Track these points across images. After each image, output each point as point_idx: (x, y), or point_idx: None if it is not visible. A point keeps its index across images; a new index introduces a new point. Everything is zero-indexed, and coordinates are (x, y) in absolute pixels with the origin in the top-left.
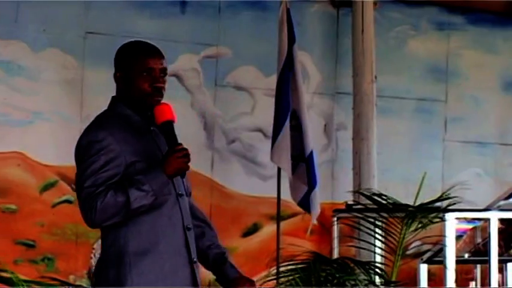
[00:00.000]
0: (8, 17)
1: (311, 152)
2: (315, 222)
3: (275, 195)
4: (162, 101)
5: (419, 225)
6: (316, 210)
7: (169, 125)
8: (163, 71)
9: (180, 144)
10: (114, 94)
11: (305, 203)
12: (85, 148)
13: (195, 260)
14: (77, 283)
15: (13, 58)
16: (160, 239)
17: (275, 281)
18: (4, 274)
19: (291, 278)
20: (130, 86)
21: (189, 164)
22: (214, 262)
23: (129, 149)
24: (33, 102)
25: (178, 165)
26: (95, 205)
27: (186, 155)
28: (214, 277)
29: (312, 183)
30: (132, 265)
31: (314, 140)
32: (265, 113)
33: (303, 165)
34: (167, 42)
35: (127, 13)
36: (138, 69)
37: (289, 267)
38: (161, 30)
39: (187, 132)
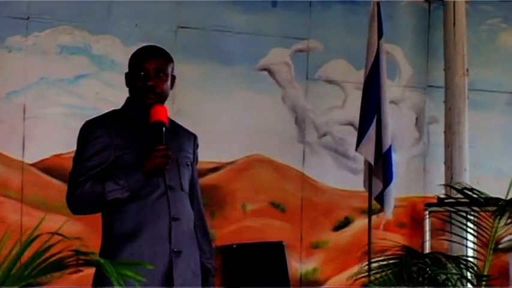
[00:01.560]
0: (101, 12)
1: (388, 149)
2: (389, 218)
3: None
4: (161, 104)
5: (510, 219)
6: (390, 207)
7: (159, 125)
8: (159, 71)
9: (163, 144)
10: (205, 89)
11: (381, 199)
12: (78, 139)
13: (176, 250)
14: None
15: (105, 53)
16: (141, 227)
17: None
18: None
19: (383, 273)
20: (130, 84)
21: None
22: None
23: (121, 142)
24: (125, 96)
25: (156, 164)
26: (74, 193)
27: (165, 156)
28: (305, 271)
29: (387, 180)
30: (117, 251)
31: (405, 134)
32: (356, 106)
33: (379, 161)
34: (258, 37)
35: (218, 7)
36: (136, 70)
37: (381, 262)
38: (252, 24)
39: (279, 126)
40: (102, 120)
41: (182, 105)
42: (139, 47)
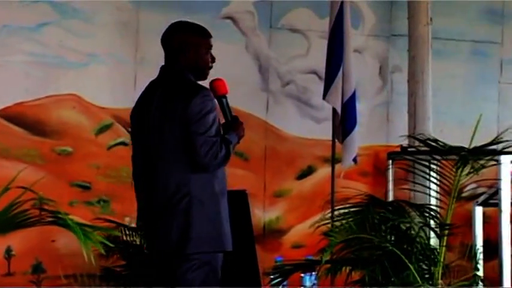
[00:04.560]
0: None
1: (350, 97)
2: (346, 167)
3: (330, 137)
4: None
5: (473, 169)
6: (350, 156)
7: (225, 98)
8: None
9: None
10: None
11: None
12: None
13: None
14: (132, 225)
15: (68, 1)
16: (226, 185)
17: (329, 225)
18: (59, 216)
19: (345, 222)
20: (198, 56)
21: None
22: None
23: None
24: (88, 44)
25: (243, 132)
26: None
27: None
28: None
29: (348, 128)
30: (220, 203)
31: (369, 83)
32: (319, 55)
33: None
34: None
35: None
36: (208, 45)
37: (343, 210)
38: None
39: (242, 74)
40: None
41: (146, 53)
42: None
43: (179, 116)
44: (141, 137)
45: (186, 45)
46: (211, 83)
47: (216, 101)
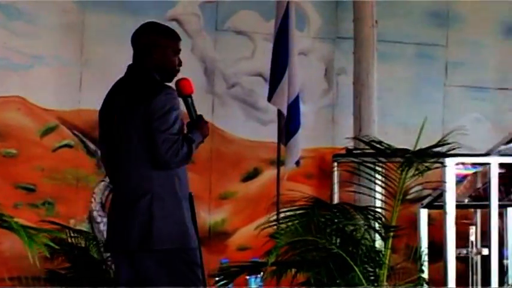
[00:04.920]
0: None
1: (294, 99)
2: (289, 169)
3: (275, 139)
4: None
5: (417, 171)
6: (294, 158)
7: (191, 97)
8: None
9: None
10: (114, 39)
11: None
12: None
13: None
14: (77, 227)
15: (12, 2)
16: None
17: (275, 227)
18: (4, 219)
19: (291, 224)
20: (164, 56)
21: None
22: None
23: None
24: (33, 46)
25: (208, 131)
26: None
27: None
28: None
29: (292, 130)
30: (182, 202)
31: (314, 85)
32: (265, 57)
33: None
34: None
35: None
36: (176, 47)
37: (289, 213)
38: None
39: (188, 76)
40: None
41: (91, 56)
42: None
43: (142, 113)
44: (107, 134)
45: (154, 46)
46: (177, 82)
47: (180, 99)
